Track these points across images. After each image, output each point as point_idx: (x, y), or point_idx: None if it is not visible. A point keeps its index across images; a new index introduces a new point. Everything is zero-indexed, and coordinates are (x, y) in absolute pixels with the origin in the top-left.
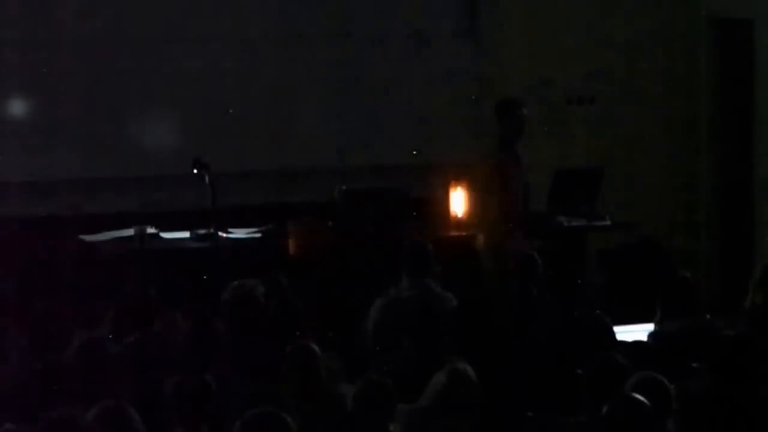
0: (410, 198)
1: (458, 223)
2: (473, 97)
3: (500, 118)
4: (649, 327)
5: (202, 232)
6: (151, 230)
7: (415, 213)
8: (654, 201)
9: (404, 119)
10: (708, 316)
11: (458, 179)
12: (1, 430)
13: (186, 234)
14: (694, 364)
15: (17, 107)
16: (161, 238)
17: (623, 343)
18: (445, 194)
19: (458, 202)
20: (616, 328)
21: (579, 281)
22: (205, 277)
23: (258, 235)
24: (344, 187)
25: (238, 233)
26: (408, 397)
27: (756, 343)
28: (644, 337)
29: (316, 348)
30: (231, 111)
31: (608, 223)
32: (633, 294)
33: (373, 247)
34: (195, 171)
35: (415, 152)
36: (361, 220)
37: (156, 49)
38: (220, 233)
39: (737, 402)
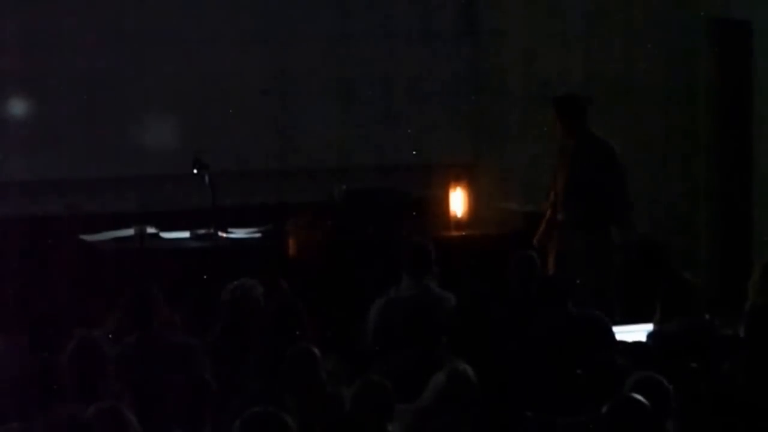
0: (410, 198)
1: (458, 223)
2: (473, 97)
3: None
4: (649, 327)
5: (202, 232)
6: (151, 230)
7: (415, 213)
8: (654, 201)
9: (404, 119)
10: (708, 316)
11: (458, 179)
12: (5, 428)
13: (186, 234)
14: (694, 364)
15: (17, 107)
16: (161, 238)
17: (623, 343)
18: (445, 194)
19: (458, 202)
20: (616, 328)
21: (579, 281)
22: (205, 277)
23: (258, 235)
24: (344, 187)
25: (238, 233)
26: (408, 397)
27: (756, 344)
28: (644, 338)
29: (316, 351)
30: (231, 111)
31: None
32: (633, 294)
33: (372, 247)
34: (195, 171)
35: (415, 152)
36: (361, 220)
37: (156, 50)
38: (220, 233)
39: (737, 402)
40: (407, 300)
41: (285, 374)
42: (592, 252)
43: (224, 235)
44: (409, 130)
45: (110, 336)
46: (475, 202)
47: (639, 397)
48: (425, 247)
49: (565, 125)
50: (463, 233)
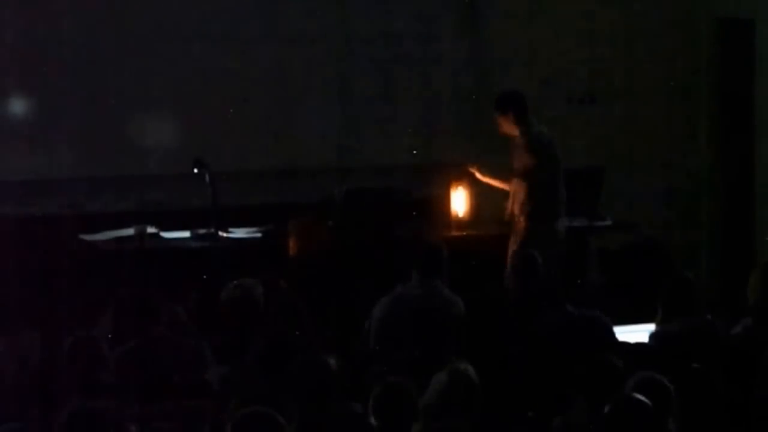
0: (411, 198)
1: (459, 223)
2: (473, 97)
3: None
4: (651, 327)
5: (202, 231)
6: (151, 230)
7: (415, 213)
8: (654, 201)
9: (404, 119)
10: (708, 316)
11: (458, 179)
12: (5, 428)
13: (186, 234)
14: (696, 365)
15: (17, 107)
16: (161, 237)
17: (625, 344)
18: (445, 194)
19: (459, 202)
20: (616, 329)
21: (579, 281)
22: (205, 277)
23: (258, 235)
24: (344, 187)
25: (238, 233)
26: None
27: (756, 343)
28: (645, 338)
29: (330, 362)
30: (231, 111)
31: (609, 223)
32: (634, 294)
33: (373, 247)
34: (195, 171)
35: (415, 152)
36: (362, 219)
37: (156, 49)
38: (220, 233)
39: (737, 402)
40: (414, 298)
41: (292, 382)
42: (536, 243)
43: (224, 235)
44: (409, 130)
45: (109, 336)
46: (476, 201)
47: (640, 397)
48: (439, 248)
49: (513, 121)
50: (464, 233)
